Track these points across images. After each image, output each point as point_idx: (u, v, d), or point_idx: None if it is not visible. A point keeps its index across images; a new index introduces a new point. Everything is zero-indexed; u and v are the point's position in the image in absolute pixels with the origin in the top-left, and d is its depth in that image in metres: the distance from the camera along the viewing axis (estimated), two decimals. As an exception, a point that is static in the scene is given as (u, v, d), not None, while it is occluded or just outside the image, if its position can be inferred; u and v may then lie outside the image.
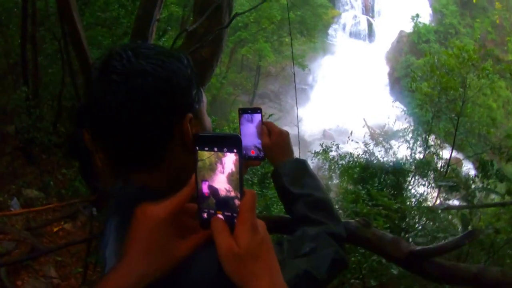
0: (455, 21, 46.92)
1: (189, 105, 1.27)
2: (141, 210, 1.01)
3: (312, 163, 12.84)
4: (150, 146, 1.18)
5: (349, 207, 6.84)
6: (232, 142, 0.98)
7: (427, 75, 12.55)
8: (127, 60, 1.15)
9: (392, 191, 9.32)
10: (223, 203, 1.00)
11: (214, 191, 1.01)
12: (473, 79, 11.78)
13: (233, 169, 0.98)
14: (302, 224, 1.49)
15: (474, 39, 41.46)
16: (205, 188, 1.02)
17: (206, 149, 1.01)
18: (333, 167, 10.60)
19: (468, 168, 16.91)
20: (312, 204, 1.53)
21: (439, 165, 12.02)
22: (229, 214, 0.99)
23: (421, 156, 11.31)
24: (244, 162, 1.55)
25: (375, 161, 9.82)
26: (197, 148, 1.02)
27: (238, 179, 0.98)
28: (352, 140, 10.60)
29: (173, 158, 1.24)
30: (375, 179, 9.18)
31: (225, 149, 0.98)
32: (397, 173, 9.49)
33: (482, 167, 11.33)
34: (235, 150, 0.97)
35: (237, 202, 0.98)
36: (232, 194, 0.99)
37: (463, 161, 15.89)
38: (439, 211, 8.38)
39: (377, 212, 6.28)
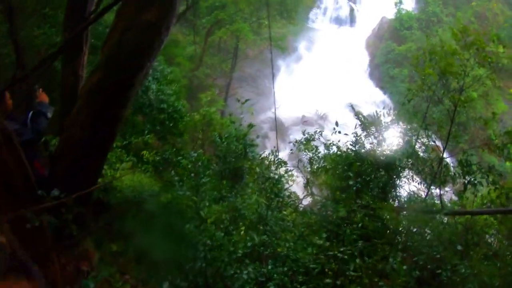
0: (438, 9, 46.36)
1: None
2: None
3: (291, 152, 11.77)
4: None
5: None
6: None
7: (426, 57, 11.51)
8: None
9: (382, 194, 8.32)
10: None
11: None
12: (473, 67, 10.81)
13: None
14: None
15: (457, 28, 40.93)
16: None
17: None
18: (317, 165, 9.53)
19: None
20: None
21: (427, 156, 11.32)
22: None
23: (416, 148, 10.36)
24: None
25: (366, 155, 8.75)
26: None
27: None
28: (339, 132, 9.51)
29: None
30: (365, 177, 8.13)
31: None
32: (389, 169, 8.48)
33: (462, 164, 10.66)
34: None
35: None
36: None
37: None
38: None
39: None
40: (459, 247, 7.94)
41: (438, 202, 10.40)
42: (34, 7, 10.51)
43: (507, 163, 15.73)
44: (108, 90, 5.02)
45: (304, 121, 36.21)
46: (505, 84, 40.77)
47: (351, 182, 7.89)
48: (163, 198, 6.53)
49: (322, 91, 38.70)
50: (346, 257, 5.53)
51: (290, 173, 9.87)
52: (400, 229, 7.75)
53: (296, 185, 10.91)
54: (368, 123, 9.24)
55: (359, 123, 9.37)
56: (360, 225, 6.39)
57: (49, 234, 5.51)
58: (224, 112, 27.67)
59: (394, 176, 8.87)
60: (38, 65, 5.22)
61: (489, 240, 9.80)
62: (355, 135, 9.29)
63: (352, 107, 10.05)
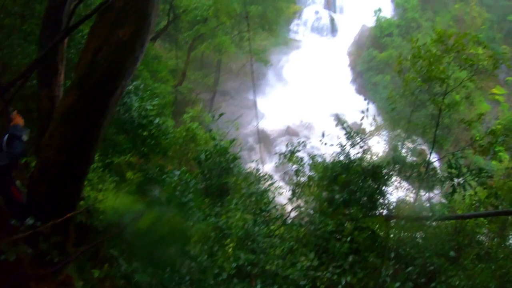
0: (417, 15, 47.04)
1: None
2: None
3: (276, 165, 11.64)
4: None
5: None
6: None
7: (411, 63, 11.55)
8: None
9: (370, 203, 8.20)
10: None
11: None
12: (454, 70, 10.87)
13: None
14: None
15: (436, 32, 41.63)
16: None
17: None
18: (302, 176, 9.39)
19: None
20: None
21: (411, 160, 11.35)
22: None
23: (402, 154, 10.32)
24: None
25: (352, 164, 8.62)
26: None
27: None
28: (325, 144, 9.40)
29: None
30: (352, 186, 8.00)
31: None
32: (376, 178, 8.36)
33: (451, 167, 10.67)
34: None
35: None
36: None
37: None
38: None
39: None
40: (452, 253, 7.86)
41: (428, 205, 10.37)
42: (13, 23, 10.21)
43: (493, 162, 15.88)
44: (82, 111, 4.84)
45: (289, 131, 36.28)
46: (487, 85, 41.43)
47: (337, 196, 7.74)
48: (146, 220, 6.32)
49: (306, 101, 38.89)
50: (335, 277, 5.37)
51: (276, 185, 9.73)
52: (391, 236, 7.65)
53: (283, 197, 10.77)
54: (352, 133, 9.16)
55: (344, 133, 9.28)
56: (348, 238, 6.24)
57: (26, 263, 5.30)
58: (209, 127, 27.54)
59: (382, 184, 8.76)
60: (9, 84, 5.02)
61: (481, 238, 9.78)
62: (340, 145, 9.19)
63: (337, 117, 9.95)
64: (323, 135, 9.60)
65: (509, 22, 46.85)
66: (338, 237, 6.34)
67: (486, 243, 9.84)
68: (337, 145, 9.23)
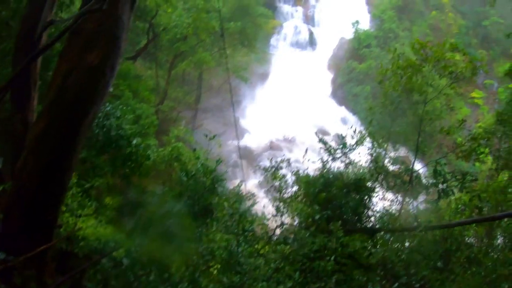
0: (394, 25, 47.86)
1: None
2: None
3: (259, 183, 11.53)
4: None
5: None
6: None
7: (391, 73, 11.62)
8: None
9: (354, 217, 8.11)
10: None
11: None
12: (435, 78, 10.95)
13: None
14: None
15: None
16: None
17: None
18: (286, 193, 9.26)
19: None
20: None
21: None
22: None
23: (385, 164, 10.31)
24: None
25: (334, 179, 8.53)
26: None
27: None
28: (308, 160, 9.32)
29: None
30: (335, 202, 7.91)
31: None
32: (360, 192, 8.29)
33: (435, 174, 10.71)
34: None
35: None
36: None
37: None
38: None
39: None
40: (439, 264, 7.79)
41: (414, 212, 10.36)
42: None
43: (477, 164, 16.01)
44: (54, 137, 4.69)
45: (273, 146, 36.27)
46: (465, 89, 42.21)
47: (317, 217, 7.63)
48: (125, 249, 6.13)
49: (289, 115, 39.03)
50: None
51: (259, 203, 9.61)
52: (378, 250, 7.56)
53: (268, 212, 10.63)
54: (333, 149, 9.11)
55: (325, 149, 9.22)
56: (333, 258, 6.12)
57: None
58: (192, 145, 27.30)
59: (365, 197, 8.69)
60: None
61: (470, 241, 9.77)
62: (321, 161, 9.13)
63: (316, 134, 9.90)
64: (305, 152, 9.53)
65: (484, 28, 48.12)
66: (321, 255, 6.21)
67: (475, 245, 9.84)
68: (318, 160, 9.16)
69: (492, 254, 9.12)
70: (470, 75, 11.86)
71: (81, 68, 4.38)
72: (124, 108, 13.47)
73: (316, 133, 10.29)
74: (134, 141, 11.27)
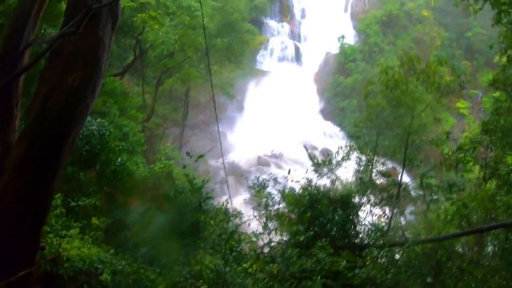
0: (379, 39, 48.57)
1: None
2: None
3: (244, 200, 11.48)
4: None
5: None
6: None
7: (377, 88, 11.75)
8: None
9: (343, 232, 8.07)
10: None
11: None
12: (422, 92, 11.06)
13: None
14: None
15: (397, 55, 43.05)
16: None
17: None
18: (273, 211, 9.20)
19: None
20: None
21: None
22: None
23: (372, 177, 10.34)
24: None
25: (320, 196, 8.49)
26: None
27: None
28: (292, 181, 9.32)
29: None
30: (322, 219, 7.87)
31: None
32: (347, 208, 8.27)
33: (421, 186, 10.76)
34: None
35: None
36: None
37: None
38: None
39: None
40: (428, 279, 7.78)
41: (403, 223, 10.39)
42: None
43: (464, 174, 16.15)
44: (35, 159, 4.61)
45: (260, 161, 36.21)
46: (451, 100, 42.87)
47: (301, 238, 7.57)
48: (111, 270, 6.01)
49: (276, 130, 39.05)
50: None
51: (247, 220, 9.54)
52: (367, 267, 7.51)
53: (255, 229, 10.55)
54: (320, 165, 9.11)
55: (312, 165, 9.22)
56: (319, 277, 6.05)
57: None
58: (178, 162, 27.16)
59: (352, 214, 8.66)
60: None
61: (460, 249, 9.79)
62: (307, 179, 9.10)
63: (305, 147, 9.92)
64: (288, 172, 9.52)
65: (467, 39, 49.09)
66: (308, 275, 6.14)
67: (467, 254, 9.86)
68: (303, 178, 9.14)
69: (482, 262, 9.14)
70: (459, 89, 11.99)
71: (62, 90, 4.33)
72: (111, 125, 13.38)
73: (305, 146, 10.30)
74: (119, 159, 11.16)
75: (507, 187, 12.68)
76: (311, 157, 9.34)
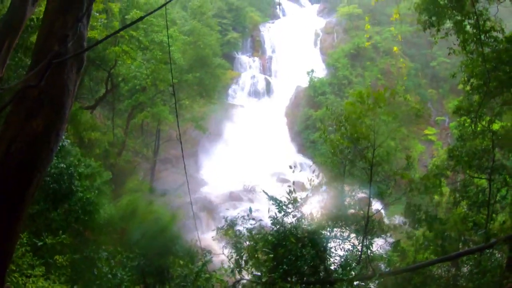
0: (347, 72, 49.97)
1: None
2: None
3: (212, 238, 11.41)
4: None
5: None
6: None
7: (334, 126, 12.06)
8: None
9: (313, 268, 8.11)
10: None
11: None
12: (381, 125, 11.41)
13: None
14: None
15: (366, 86, 44.20)
16: None
17: None
18: (241, 250, 9.17)
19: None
20: None
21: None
22: None
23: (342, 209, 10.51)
24: None
25: (288, 234, 8.53)
26: None
27: None
28: (260, 221, 9.39)
29: None
30: (291, 256, 7.90)
31: None
32: (315, 244, 8.33)
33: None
34: None
35: None
36: None
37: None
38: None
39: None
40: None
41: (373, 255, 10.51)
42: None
43: (436, 197, 16.59)
44: (0, 202, 4.58)
45: (232, 196, 36.10)
46: (419, 127, 44.10)
47: (264, 280, 7.59)
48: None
49: (249, 164, 39.21)
50: None
51: (218, 256, 9.50)
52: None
53: (226, 266, 10.48)
54: (283, 205, 9.16)
55: (275, 206, 9.26)
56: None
57: None
58: (149, 198, 26.74)
59: (321, 249, 8.72)
60: None
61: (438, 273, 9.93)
62: (272, 219, 9.14)
63: (264, 192, 10.00)
64: (250, 211, 9.58)
65: (432, 68, 50.94)
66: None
67: (443, 276, 10.01)
68: (269, 217, 9.18)
69: (460, 283, 9.29)
70: (426, 116, 12.52)
71: (25, 135, 4.36)
72: (77, 163, 13.28)
73: (263, 190, 10.39)
74: (83, 197, 11.11)
75: (476, 208, 13.14)
76: (273, 199, 9.41)
